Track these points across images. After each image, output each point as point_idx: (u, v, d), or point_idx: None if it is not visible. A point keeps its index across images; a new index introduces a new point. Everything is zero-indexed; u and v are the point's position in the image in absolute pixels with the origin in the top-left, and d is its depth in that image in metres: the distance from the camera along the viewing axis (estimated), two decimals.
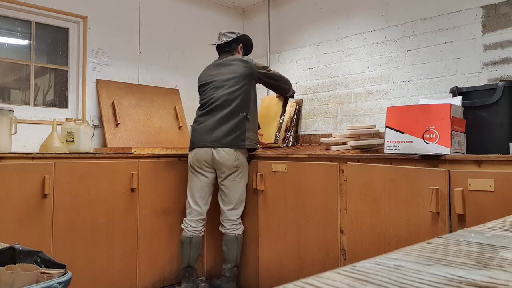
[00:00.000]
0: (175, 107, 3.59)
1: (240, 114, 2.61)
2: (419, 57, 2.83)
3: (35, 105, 3.03)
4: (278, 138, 3.19)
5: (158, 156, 2.86)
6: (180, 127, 3.56)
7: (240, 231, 2.70)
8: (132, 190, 2.70)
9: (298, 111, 3.49)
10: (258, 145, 2.78)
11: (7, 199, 2.21)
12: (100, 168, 2.55)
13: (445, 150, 1.93)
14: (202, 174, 2.68)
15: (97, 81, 3.23)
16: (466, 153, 2.08)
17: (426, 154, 1.94)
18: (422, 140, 2.02)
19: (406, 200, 1.94)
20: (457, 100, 2.18)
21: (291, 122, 3.39)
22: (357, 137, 2.63)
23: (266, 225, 2.66)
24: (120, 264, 2.63)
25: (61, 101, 3.17)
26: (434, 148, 1.97)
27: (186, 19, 3.82)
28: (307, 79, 3.55)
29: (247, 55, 2.96)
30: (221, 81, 2.68)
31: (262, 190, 2.69)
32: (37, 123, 2.95)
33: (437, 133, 1.98)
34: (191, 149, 2.71)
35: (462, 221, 1.77)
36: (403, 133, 2.10)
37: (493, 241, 0.67)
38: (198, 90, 2.86)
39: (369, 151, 2.64)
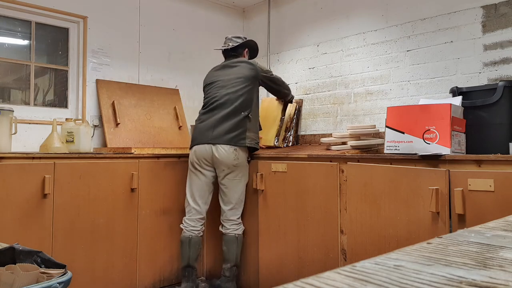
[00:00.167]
0: (175, 107, 3.59)
1: (242, 113, 2.64)
2: (419, 57, 2.83)
3: (35, 105, 3.03)
4: (277, 142, 3.22)
5: (158, 156, 2.86)
6: (180, 127, 3.56)
7: (240, 231, 2.70)
8: (132, 190, 2.70)
9: (298, 111, 3.49)
10: (259, 146, 2.78)
11: (7, 199, 2.21)
12: (100, 168, 2.55)
13: (445, 150, 1.93)
14: (202, 173, 2.69)
15: (97, 81, 3.23)
16: (466, 153, 2.08)
17: (426, 154, 1.94)
18: (422, 140, 2.02)
19: (406, 200, 1.94)
20: (457, 100, 2.18)
21: (291, 122, 3.40)
22: (357, 137, 2.63)
23: (266, 225, 2.66)
24: (120, 264, 2.63)
25: (61, 101, 3.17)
26: (434, 148, 1.97)
27: (186, 19, 3.82)
28: (307, 79, 3.55)
29: (252, 59, 3.01)
30: (225, 81, 2.73)
31: (262, 190, 2.69)
32: (37, 123, 2.95)
33: (437, 133, 1.98)
34: (191, 146, 2.73)
35: (462, 221, 1.77)
36: (403, 133, 2.10)
37: (493, 241, 0.67)
38: (203, 90, 2.90)
39: (369, 151, 2.64)
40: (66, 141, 2.77)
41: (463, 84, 2.57)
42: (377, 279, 0.46)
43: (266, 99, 3.49)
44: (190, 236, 2.66)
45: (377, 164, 2.09)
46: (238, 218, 2.71)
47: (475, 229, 0.78)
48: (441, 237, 0.69)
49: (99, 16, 3.26)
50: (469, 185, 1.74)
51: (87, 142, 2.82)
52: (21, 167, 2.26)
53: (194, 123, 2.95)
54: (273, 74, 2.92)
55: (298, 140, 3.52)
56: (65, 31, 3.19)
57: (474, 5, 2.57)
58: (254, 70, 2.75)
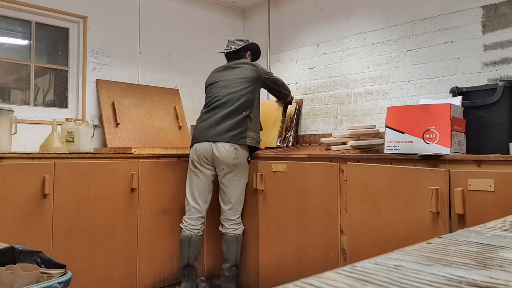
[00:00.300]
0: (175, 107, 3.59)
1: (244, 112, 2.65)
2: (419, 57, 2.83)
3: (35, 105, 3.03)
4: (279, 143, 3.23)
5: (158, 156, 2.86)
6: (180, 127, 3.56)
7: (240, 231, 2.70)
8: (132, 190, 2.70)
9: (298, 111, 3.49)
10: (260, 145, 2.78)
11: (7, 199, 2.21)
12: (100, 168, 2.55)
13: (445, 150, 1.93)
14: (202, 171, 2.69)
15: (97, 81, 3.23)
16: (466, 153, 2.08)
17: (426, 154, 1.94)
18: (422, 140, 2.02)
19: (406, 200, 1.94)
20: (457, 100, 2.18)
21: (291, 122, 3.40)
22: (357, 137, 2.63)
23: (266, 225, 2.66)
24: (120, 264, 2.63)
25: (61, 101, 3.17)
26: (434, 148, 1.97)
27: (186, 19, 3.82)
28: (307, 79, 3.55)
29: (254, 61, 3.05)
30: (228, 81, 2.76)
31: (262, 190, 2.69)
32: (37, 123, 2.95)
33: (437, 133, 1.98)
34: (192, 144, 2.74)
35: (462, 221, 1.77)
36: (403, 133, 2.10)
37: (493, 241, 0.67)
38: (205, 90, 2.92)
39: (369, 151, 2.64)
40: (66, 141, 2.77)
41: (463, 84, 2.57)
42: (377, 279, 0.46)
43: (266, 102, 3.51)
44: (190, 235, 2.66)
45: (377, 164, 2.09)
46: (238, 218, 2.71)
47: (475, 229, 0.78)
48: (441, 237, 0.69)
49: (99, 16, 3.26)
50: (469, 185, 1.74)
51: (87, 142, 2.82)
52: (21, 167, 2.26)
53: (194, 123, 2.96)
54: (274, 75, 2.95)
55: (298, 140, 3.52)
56: (65, 31, 3.19)
57: (474, 5, 2.57)
58: (256, 71, 2.77)
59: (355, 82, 3.20)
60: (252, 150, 2.76)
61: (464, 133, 2.08)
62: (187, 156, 2.90)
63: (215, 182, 2.75)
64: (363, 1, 3.18)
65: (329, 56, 3.39)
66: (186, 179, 2.79)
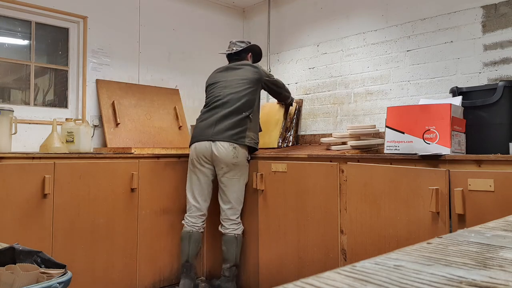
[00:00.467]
0: (175, 107, 3.59)
1: (244, 113, 2.67)
2: (419, 57, 2.83)
3: (35, 105, 3.03)
4: (280, 143, 3.25)
5: (158, 156, 2.86)
6: (180, 127, 3.56)
7: (239, 231, 2.70)
8: (132, 190, 2.70)
9: (298, 111, 3.50)
10: (258, 146, 2.79)
11: (7, 199, 2.21)
12: (100, 168, 2.55)
13: (445, 150, 1.93)
14: (201, 170, 2.71)
15: (97, 81, 3.23)
16: (466, 153, 2.08)
17: (426, 154, 1.94)
18: (422, 140, 2.02)
19: (406, 200, 1.94)
20: (457, 100, 2.18)
21: (291, 122, 3.40)
22: (357, 137, 2.63)
23: (266, 225, 2.66)
24: (120, 264, 2.63)
25: (61, 101, 3.17)
26: (434, 148, 1.97)
27: (186, 19, 3.82)
28: (307, 79, 3.55)
29: (255, 63, 3.07)
30: (229, 82, 2.78)
31: (262, 190, 2.69)
32: (37, 123, 2.95)
33: (437, 133, 1.98)
34: (191, 143, 2.75)
35: (462, 221, 1.77)
36: (403, 133, 2.10)
37: (493, 241, 0.67)
38: (206, 90, 2.93)
39: (369, 151, 2.64)
40: (66, 141, 2.77)
41: (463, 84, 2.57)
42: (377, 279, 0.46)
43: (267, 104, 3.54)
44: (191, 231, 2.68)
45: (377, 164, 2.09)
46: (237, 218, 2.71)
47: (475, 229, 0.78)
48: (441, 237, 0.69)
49: (99, 16, 3.26)
50: (469, 185, 1.74)
51: (87, 142, 2.82)
52: (21, 167, 2.26)
53: (194, 123, 2.97)
54: (275, 77, 2.97)
55: (298, 140, 3.52)
56: (65, 31, 3.19)
57: (474, 5, 2.57)
58: (258, 73, 2.79)
59: (355, 82, 3.20)
60: (252, 151, 2.76)
61: (464, 133, 2.08)
62: (187, 156, 2.90)
63: (215, 181, 2.76)
64: (363, 1, 3.18)
65: (329, 56, 3.39)
66: (187, 178, 2.80)
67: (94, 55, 3.23)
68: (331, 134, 3.08)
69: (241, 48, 2.92)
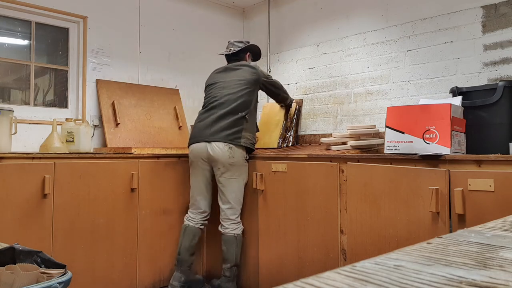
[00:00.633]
0: (175, 107, 3.59)
1: (240, 113, 2.67)
2: (419, 57, 2.83)
3: (35, 105, 3.03)
4: (280, 143, 3.26)
5: (158, 156, 2.86)
6: (180, 127, 3.56)
7: (239, 231, 2.70)
8: (132, 190, 2.70)
9: (298, 111, 3.50)
10: (255, 147, 2.80)
11: (7, 199, 2.21)
12: (100, 168, 2.55)
13: (445, 150, 1.93)
14: (199, 171, 2.74)
15: (97, 81, 3.23)
16: (466, 153, 2.08)
17: (426, 154, 1.94)
18: (422, 140, 2.02)
19: (406, 200, 1.94)
20: (457, 100, 2.18)
21: (291, 122, 3.40)
22: (357, 137, 2.63)
23: (266, 225, 2.66)
24: (120, 264, 2.63)
25: (61, 101, 3.17)
26: (434, 148, 1.97)
27: (186, 19, 3.82)
28: (307, 79, 3.55)
29: (255, 61, 3.10)
30: (227, 82, 2.79)
31: (262, 190, 2.69)
32: (37, 123, 2.95)
33: (437, 133, 1.98)
34: (189, 144, 2.79)
35: (462, 221, 1.77)
36: (403, 133, 2.10)
37: (493, 241, 0.67)
38: (204, 91, 2.95)
39: (369, 151, 2.64)
40: (66, 141, 2.77)
41: (463, 84, 2.57)
42: (377, 279, 0.46)
43: (268, 105, 3.55)
44: (187, 225, 2.75)
45: (377, 164, 2.09)
46: (237, 218, 2.71)
47: (475, 229, 0.78)
48: (441, 237, 0.69)
49: (99, 16, 3.26)
50: (469, 185, 1.74)
51: (87, 142, 2.82)
52: (21, 167, 2.26)
53: (194, 123, 2.97)
54: (273, 78, 2.98)
55: (298, 140, 3.52)
56: (65, 31, 3.19)
57: (474, 5, 2.57)
58: (256, 74, 2.80)
59: (355, 82, 3.20)
60: (250, 151, 2.77)
61: (464, 133, 2.08)
62: (187, 156, 2.90)
63: (214, 180, 2.77)
64: (363, 1, 3.18)
65: (329, 56, 3.39)
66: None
67: (94, 55, 3.23)
68: (331, 134, 3.08)
69: (239, 48, 2.92)
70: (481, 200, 1.71)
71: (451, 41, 2.67)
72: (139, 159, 2.75)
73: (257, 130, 2.91)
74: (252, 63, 2.94)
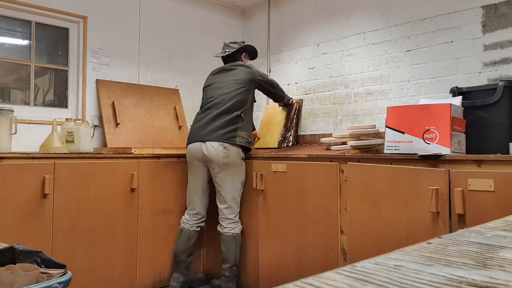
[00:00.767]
0: (175, 107, 3.59)
1: (235, 112, 2.69)
2: (419, 57, 2.83)
3: (35, 105, 3.03)
4: (280, 143, 3.27)
5: (158, 156, 2.86)
6: (180, 127, 3.56)
7: (237, 230, 2.70)
8: (132, 190, 2.70)
9: (298, 111, 3.50)
10: (251, 146, 2.81)
11: (7, 199, 2.21)
12: (100, 168, 2.55)
13: (445, 150, 1.93)
14: (195, 171, 2.76)
15: (97, 81, 3.23)
16: (466, 153, 2.08)
17: (426, 154, 1.94)
18: (422, 140, 2.02)
19: (406, 200, 1.94)
20: (457, 100, 2.18)
21: (291, 122, 3.40)
22: (357, 137, 2.63)
23: (266, 225, 2.66)
24: (120, 264, 2.63)
25: (61, 101, 3.17)
26: (434, 148, 1.97)
27: (186, 19, 3.82)
28: (307, 79, 3.55)
29: (252, 60, 3.11)
30: (222, 83, 2.80)
31: (262, 190, 2.69)
32: (37, 123, 2.95)
33: (437, 133, 1.98)
34: (186, 145, 2.80)
35: (462, 221, 1.77)
36: (403, 133, 2.10)
37: (493, 241, 0.67)
38: (202, 93, 2.97)
39: (369, 151, 2.64)
40: (66, 141, 2.77)
41: (463, 84, 2.57)
42: (377, 279, 0.46)
43: (270, 106, 3.56)
44: (183, 228, 2.77)
45: (377, 164, 2.09)
46: (235, 217, 2.72)
47: (475, 229, 0.78)
48: (441, 237, 0.69)
49: (99, 16, 3.26)
50: (469, 185, 1.74)
51: (87, 142, 2.82)
52: (21, 167, 2.26)
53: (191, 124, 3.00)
54: (268, 77, 2.98)
55: (298, 140, 3.52)
56: (65, 31, 3.19)
57: (474, 5, 2.57)
58: (251, 73, 2.81)
59: (355, 82, 3.20)
60: (247, 150, 2.78)
61: (464, 133, 2.08)
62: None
63: (211, 181, 2.78)
64: (363, 1, 3.18)
65: (329, 56, 3.39)
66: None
67: (94, 55, 3.23)
68: (331, 134, 3.08)
69: (234, 50, 2.93)
70: (481, 200, 1.71)
71: (451, 41, 2.67)
72: (139, 159, 2.75)
73: (254, 129, 2.92)
74: (248, 63, 2.95)
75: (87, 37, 3.19)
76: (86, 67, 3.18)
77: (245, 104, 2.74)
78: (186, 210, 2.82)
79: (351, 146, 2.59)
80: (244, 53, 3.01)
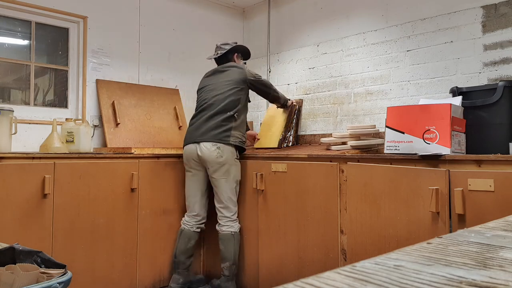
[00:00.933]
0: (175, 107, 3.59)
1: (228, 112, 2.70)
2: (419, 57, 2.83)
3: (35, 105, 3.03)
4: (280, 143, 3.28)
5: (158, 156, 2.86)
6: (180, 127, 3.56)
7: (235, 229, 2.71)
8: (132, 190, 2.70)
9: (298, 111, 3.50)
10: (245, 145, 2.81)
11: (7, 199, 2.21)
12: (100, 168, 2.55)
13: (445, 150, 1.93)
14: (192, 173, 2.78)
15: (97, 81, 3.23)
16: (466, 153, 2.08)
17: (426, 154, 1.94)
18: (422, 140, 2.02)
19: (406, 200, 1.94)
20: (457, 100, 2.18)
21: (291, 122, 3.40)
22: (357, 137, 2.63)
23: (266, 225, 2.66)
24: (120, 264, 2.63)
25: (61, 101, 3.17)
26: (434, 148, 1.97)
27: (186, 19, 3.82)
28: (307, 79, 3.55)
29: (246, 60, 3.12)
30: (215, 85, 2.83)
31: (262, 190, 2.69)
32: (37, 123, 2.95)
33: (437, 133, 1.98)
34: (183, 147, 2.82)
35: (462, 221, 1.77)
36: (403, 133, 2.10)
37: (493, 241, 0.67)
38: (197, 95, 2.99)
39: (369, 151, 2.64)
40: (66, 141, 2.77)
41: (463, 84, 2.57)
42: (377, 279, 0.46)
43: (272, 108, 3.55)
44: (183, 229, 2.78)
45: (377, 164, 2.09)
46: (233, 215, 2.72)
47: (475, 229, 0.78)
48: (441, 237, 0.69)
49: (99, 16, 3.26)
50: (469, 185, 1.74)
51: (87, 142, 2.82)
52: (21, 167, 2.26)
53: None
54: (261, 78, 2.96)
55: (298, 140, 3.52)
56: (65, 31, 3.19)
57: (474, 5, 2.57)
58: (243, 73, 2.82)
59: (355, 82, 3.20)
60: (241, 150, 2.78)
61: (464, 133, 2.08)
62: None
63: (208, 182, 2.80)
64: (363, 1, 3.18)
65: (329, 56, 3.39)
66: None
67: (94, 55, 3.23)
68: (331, 134, 3.08)
69: (225, 51, 2.95)
70: (481, 200, 1.71)
71: (451, 41, 2.67)
72: (139, 159, 2.75)
73: (248, 129, 2.93)
74: (241, 63, 2.97)
75: (87, 37, 3.19)
76: (86, 67, 3.18)
77: (238, 104, 2.75)
78: (186, 213, 2.82)
79: (351, 146, 2.59)
80: (236, 54, 3.01)
